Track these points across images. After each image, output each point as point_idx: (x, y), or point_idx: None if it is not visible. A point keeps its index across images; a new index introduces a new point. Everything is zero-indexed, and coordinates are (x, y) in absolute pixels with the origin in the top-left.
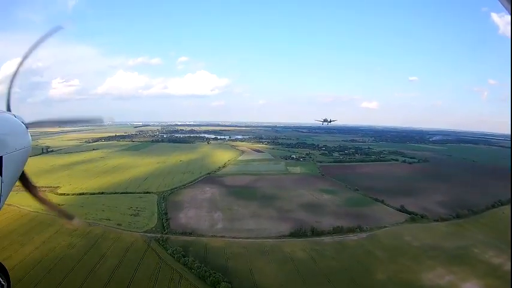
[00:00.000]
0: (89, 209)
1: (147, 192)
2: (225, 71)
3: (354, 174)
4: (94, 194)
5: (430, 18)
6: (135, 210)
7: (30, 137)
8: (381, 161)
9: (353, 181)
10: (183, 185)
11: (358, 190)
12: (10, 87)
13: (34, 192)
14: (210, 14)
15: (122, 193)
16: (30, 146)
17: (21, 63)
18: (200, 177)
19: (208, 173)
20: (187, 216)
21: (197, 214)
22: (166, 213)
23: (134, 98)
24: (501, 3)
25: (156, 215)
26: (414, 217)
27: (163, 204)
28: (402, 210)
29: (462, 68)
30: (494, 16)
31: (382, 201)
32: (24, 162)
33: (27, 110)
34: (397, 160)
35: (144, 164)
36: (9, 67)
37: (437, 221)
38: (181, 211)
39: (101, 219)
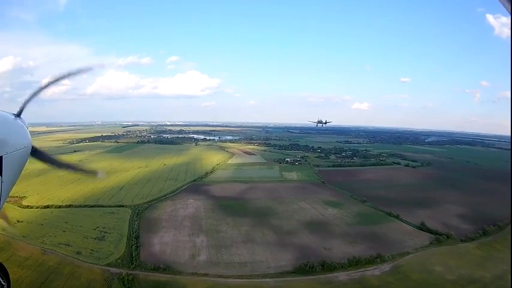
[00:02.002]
0: (49, 228)
1: (120, 206)
2: (216, 71)
3: (357, 181)
4: (60, 207)
5: (424, 19)
6: (101, 231)
7: (30, 137)
8: (382, 164)
9: (358, 190)
10: (163, 196)
11: (366, 201)
12: (29, 100)
13: (55, 162)
14: (201, 13)
15: (91, 206)
16: (30, 145)
17: (44, 87)
18: (184, 185)
19: (194, 180)
20: (163, 242)
21: (175, 239)
22: (137, 237)
23: (124, 97)
24: (501, 2)
25: (125, 239)
26: (439, 238)
27: (136, 222)
28: (423, 228)
29: (455, 69)
30: (490, 17)
31: (397, 216)
32: (24, 162)
33: (18, 109)
34: (398, 164)
35: (123, 169)
36: (1, 65)
37: (464, 241)
38: (157, 234)
39: (59, 244)
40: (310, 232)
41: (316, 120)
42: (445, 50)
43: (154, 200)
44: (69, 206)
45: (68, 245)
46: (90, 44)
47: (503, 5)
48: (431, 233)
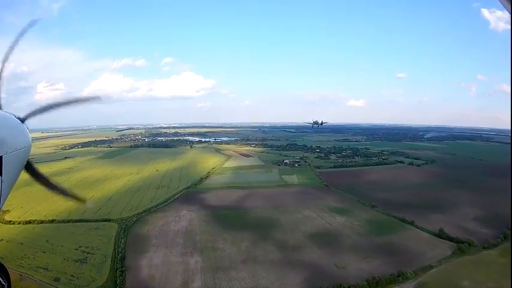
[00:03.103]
0: (28, 248)
1: (106, 220)
2: (211, 72)
3: (362, 183)
4: (43, 222)
5: (419, 14)
6: (83, 251)
7: (30, 137)
8: (385, 164)
9: (365, 193)
10: (154, 207)
11: (375, 206)
12: (38, 112)
13: (45, 182)
14: (195, 14)
15: (75, 221)
16: (30, 145)
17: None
18: (177, 193)
19: (188, 187)
20: (152, 264)
21: (166, 260)
22: (123, 259)
23: (119, 101)
24: (501, 2)
25: (109, 261)
26: (461, 246)
27: (122, 240)
28: (442, 235)
29: (451, 64)
30: (485, 11)
31: (412, 223)
32: (24, 162)
33: (24, 115)
34: (402, 162)
35: (114, 176)
36: None
37: (487, 248)
38: (145, 254)
39: (37, 268)
40: (319, 247)
41: (312, 121)
42: (441, 45)
43: (144, 212)
44: (52, 221)
45: (47, 269)
46: (84, 48)
47: (503, 5)
48: (452, 241)
